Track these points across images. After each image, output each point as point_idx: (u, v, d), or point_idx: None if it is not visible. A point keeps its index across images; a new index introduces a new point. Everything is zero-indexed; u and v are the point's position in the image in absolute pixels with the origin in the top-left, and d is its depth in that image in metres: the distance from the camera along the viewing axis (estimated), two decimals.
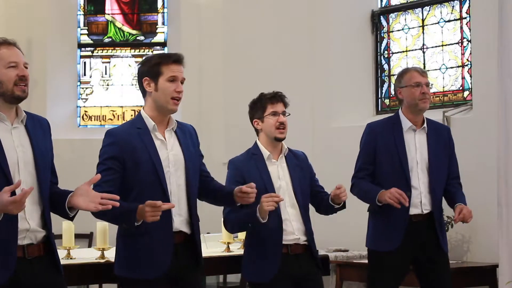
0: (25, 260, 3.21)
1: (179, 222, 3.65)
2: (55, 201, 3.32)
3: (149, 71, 3.69)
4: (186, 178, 3.69)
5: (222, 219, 4.22)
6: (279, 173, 4.18)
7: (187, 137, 3.79)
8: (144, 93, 3.75)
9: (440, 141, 4.58)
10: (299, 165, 4.26)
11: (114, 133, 3.69)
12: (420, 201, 4.47)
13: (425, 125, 4.56)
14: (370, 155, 4.55)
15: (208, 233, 5.20)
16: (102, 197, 3.19)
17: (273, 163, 4.19)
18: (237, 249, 5.18)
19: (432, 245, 4.48)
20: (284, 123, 4.18)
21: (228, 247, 5.08)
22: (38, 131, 3.35)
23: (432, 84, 6.11)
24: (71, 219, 3.37)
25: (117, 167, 3.60)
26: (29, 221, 3.21)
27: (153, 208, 3.42)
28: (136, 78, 3.83)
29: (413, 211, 4.45)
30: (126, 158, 3.60)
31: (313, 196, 4.31)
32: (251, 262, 4.17)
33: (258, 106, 4.23)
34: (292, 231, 4.12)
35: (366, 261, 6.39)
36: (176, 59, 3.70)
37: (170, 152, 3.67)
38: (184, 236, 3.67)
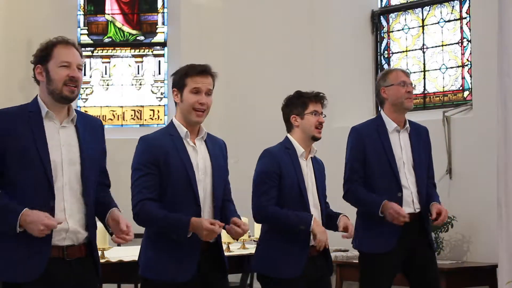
0: (63, 261, 3.19)
1: None
2: (98, 208, 3.35)
3: (177, 83, 3.74)
4: (213, 186, 3.69)
5: (257, 210, 4.14)
6: (308, 172, 4.19)
7: (217, 149, 3.81)
8: (175, 103, 3.77)
9: (420, 141, 4.62)
10: (320, 170, 4.29)
11: (147, 139, 3.70)
12: (412, 200, 4.48)
13: (407, 125, 4.59)
14: (360, 157, 4.54)
15: None
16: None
17: (304, 161, 4.20)
18: (237, 249, 5.20)
19: (422, 244, 4.51)
20: (323, 123, 4.20)
21: (228, 247, 5.09)
22: (89, 131, 3.34)
23: (415, 86, 6.12)
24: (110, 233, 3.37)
25: (154, 171, 3.60)
26: (68, 221, 3.18)
27: (211, 232, 3.47)
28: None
29: (407, 210, 4.44)
30: (161, 163, 3.60)
31: None
32: (273, 258, 4.11)
33: (299, 103, 4.21)
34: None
35: None
36: (201, 71, 3.75)
37: (200, 160, 3.68)
38: (208, 244, 3.65)
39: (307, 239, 4.07)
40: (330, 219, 4.21)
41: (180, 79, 3.72)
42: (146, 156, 3.62)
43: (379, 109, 4.72)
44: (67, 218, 3.18)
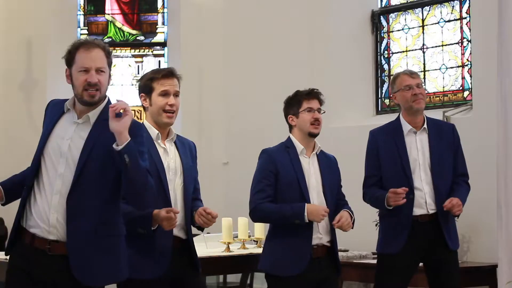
0: (46, 255, 3.21)
1: (176, 228, 3.71)
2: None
3: (144, 88, 3.83)
4: (183, 186, 3.82)
5: (252, 207, 4.17)
6: (310, 169, 4.20)
7: (187, 150, 3.92)
8: (144, 107, 3.88)
9: (443, 139, 4.62)
10: (330, 166, 4.29)
11: None
12: (425, 202, 4.51)
13: (425, 125, 4.59)
14: (375, 161, 4.63)
15: (208, 233, 5.20)
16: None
17: (306, 158, 4.21)
18: (237, 249, 5.19)
19: (439, 245, 4.52)
20: (319, 119, 4.22)
21: (228, 247, 5.09)
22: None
23: (423, 84, 6.15)
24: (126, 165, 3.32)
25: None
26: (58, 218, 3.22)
27: (169, 221, 3.57)
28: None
29: (419, 211, 4.49)
30: None
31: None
32: (277, 256, 4.13)
33: (294, 102, 4.26)
34: (318, 229, 4.13)
35: (366, 261, 6.45)
36: (166, 74, 3.82)
37: (170, 160, 3.80)
38: (180, 241, 3.77)
39: (309, 233, 4.07)
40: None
41: (147, 84, 3.81)
42: None
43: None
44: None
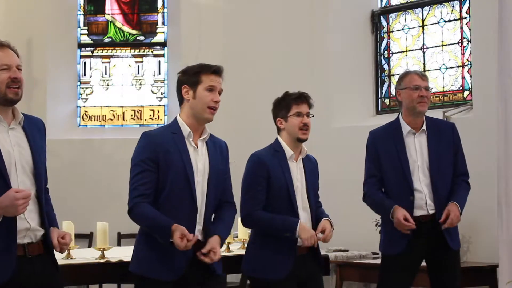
0: (26, 259, 3.24)
1: (197, 230, 3.66)
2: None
3: (189, 80, 3.73)
4: (208, 189, 3.70)
5: (245, 214, 4.16)
6: (297, 173, 4.18)
7: (217, 151, 3.82)
8: (181, 100, 3.77)
9: (442, 139, 4.61)
10: (312, 170, 4.28)
11: (148, 135, 3.73)
12: (425, 203, 4.51)
13: (424, 127, 4.59)
14: (375, 162, 4.62)
15: None
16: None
17: (293, 162, 4.19)
18: (237, 249, 5.19)
19: (440, 245, 4.52)
20: (308, 124, 4.18)
21: (228, 247, 5.08)
22: (35, 132, 3.39)
23: (432, 88, 6.15)
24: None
25: (152, 168, 3.62)
26: (28, 221, 3.24)
27: (185, 244, 3.49)
28: (176, 86, 3.83)
29: (419, 212, 4.50)
30: (160, 160, 3.62)
31: None
32: (261, 259, 4.13)
33: (283, 105, 4.22)
34: None
35: (366, 261, 6.45)
36: (216, 70, 3.77)
37: (200, 161, 3.70)
38: (200, 244, 3.67)
39: (294, 242, 4.07)
40: (317, 222, 4.20)
41: (194, 76, 3.72)
42: (146, 152, 3.64)
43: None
44: (27, 218, 3.23)
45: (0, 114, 3.27)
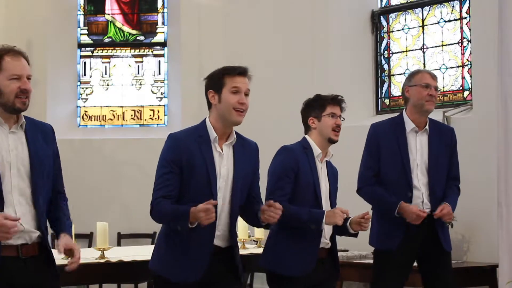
0: (19, 260, 3.24)
1: (216, 237, 3.62)
2: (51, 223, 3.43)
3: (214, 84, 3.68)
4: (231, 195, 3.66)
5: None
6: (322, 174, 4.18)
7: (246, 154, 3.77)
8: (209, 105, 3.72)
9: (442, 142, 4.63)
10: (334, 175, 4.28)
11: (175, 137, 3.68)
12: (422, 201, 4.54)
13: (427, 126, 4.61)
14: (375, 155, 4.62)
15: None
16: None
17: (319, 163, 4.19)
18: None
19: (434, 244, 4.54)
20: (340, 126, 4.20)
21: None
22: (39, 136, 3.38)
23: (440, 89, 6.16)
24: None
25: (176, 171, 3.59)
26: (22, 223, 3.22)
27: (207, 212, 3.41)
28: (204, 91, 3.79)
29: None
30: (183, 163, 3.59)
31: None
32: (282, 256, 4.11)
33: (317, 105, 4.21)
34: (324, 234, 4.13)
35: (366, 261, 6.43)
36: (241, 72, 3.72)
37: (223, 167, 3.65)
38: (220, 250, 3.65)
39: (318, 237, 4.08)
40: (337, 228, 4.19)
41: (218, 79, 3.67)
42: (171, 154, 3.61)
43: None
44: (20, 221, 3.21)
45: (3, 118, 3.28)
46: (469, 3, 6.93)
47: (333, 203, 4.20)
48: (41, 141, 3.38)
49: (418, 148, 4.58)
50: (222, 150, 3.66)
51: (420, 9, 7.47)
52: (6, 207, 3.21)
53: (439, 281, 4.57)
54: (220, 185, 3.61)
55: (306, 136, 4.23)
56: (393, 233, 4.49)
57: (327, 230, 4.14)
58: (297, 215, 4.03)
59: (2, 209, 3.19)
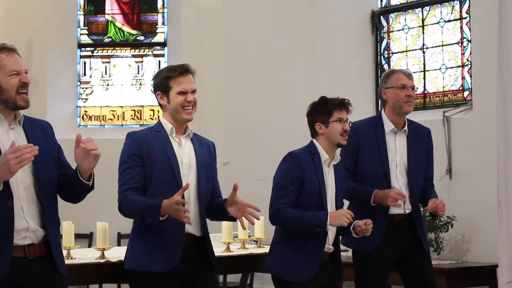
0: (26, 260, 3.24)
1: (187, 224, 3.68)
2: (67, 184, 3.43)
3: (160, 86, 3.82)
4: (197, 181, 3.77)
5: (274, 211, 4.11)
6: (329, 179, 4.18)
7: (204, 148, 3.89)
8: (160, 105, 3.86)
9: (420, 143, 4.63)
10: (341, 178, 4.28)
11: (132, 134, 3.83)
12: (403, 202, 4.50)
13: (406, 127, 4.59)
14: (352, 154, 4.55)
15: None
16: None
17: (326, 168, 4.19)
18: (237, 249, 5.19)
19: (414, 244, 4.54)
20: (348, 131, 4.18)
21: (228, 247, 5.08)
22: (37, 131, 3.40)
23: (417, 88, 6.12)
24: (91, 187, 3.45)
25: (138, 164, 3.72)
26: (27, 220, 3.24)
27: (178, 207, 3.50)
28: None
29: (396, 210, 4.50)
30: (145, 156, 3.72)
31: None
32: (286, 260, 4.13)
33: (323, 110, 4.18)
34: (328, 241, 4.16)
35: None
36: (182, 72, 3.81)
37: (185, 155, 3.78)
38: (193, 238, 3.74)
39: (322, 241, 4.09)
40: (343, 231, 4.22)
41: (164, 82, 3.79)
42: (131, 149, 3.75)
43: (379, 109, 4.73)
44: (26, 217, 3.23)
45: (2, 114, 3.29)
46: (469, 3, 6.93)
47: (339, 206, 4.20)
48: (41, 135, 3.41)
49: (397, 149, 4.55)
50: (180, 141, 3.80)
51: (420, 9, 7.47)
52: (14, 202, 3.20)
53: (421, 280, 4.55)
54: (184, 172, 3.72)
55: (314, 140, 4.22)
56: (373, 233, 4.32)
57: (331, 236, 4.15)
58: (301, 220, 4.04)
59: (12, 205, 3.19)
